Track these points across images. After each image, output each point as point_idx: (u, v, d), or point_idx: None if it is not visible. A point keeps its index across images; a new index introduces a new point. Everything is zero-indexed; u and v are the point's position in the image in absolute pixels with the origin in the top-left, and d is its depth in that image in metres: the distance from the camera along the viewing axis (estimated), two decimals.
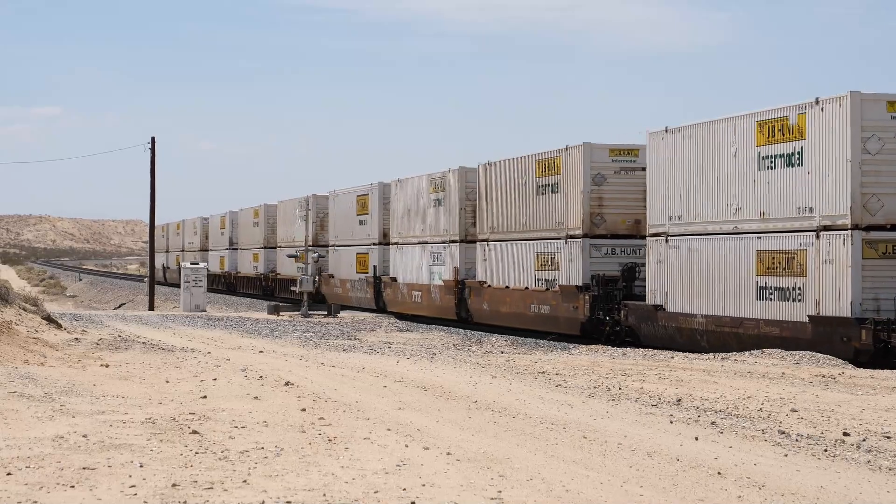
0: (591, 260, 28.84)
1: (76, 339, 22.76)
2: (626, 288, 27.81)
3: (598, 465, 10.10)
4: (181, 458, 9.91)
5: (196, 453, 10.17)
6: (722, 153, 24.09)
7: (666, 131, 26.00)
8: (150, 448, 10.38)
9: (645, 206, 27.26)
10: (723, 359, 21.25)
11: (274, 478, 9.22)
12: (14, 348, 18.57)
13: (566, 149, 29.96)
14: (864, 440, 11.67)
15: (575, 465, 10.12)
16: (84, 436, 10.94)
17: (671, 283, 25.63)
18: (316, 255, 45.84)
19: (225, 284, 68.32)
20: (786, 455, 10.83)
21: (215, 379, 16.34)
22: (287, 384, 15.79)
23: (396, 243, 41.88)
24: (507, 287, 32.67)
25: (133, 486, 8.77)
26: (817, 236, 21.36)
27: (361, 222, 45.90)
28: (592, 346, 26.74)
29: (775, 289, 22.40)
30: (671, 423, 12.79)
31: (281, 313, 41.49)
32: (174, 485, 8.80)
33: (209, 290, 63.99)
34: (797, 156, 21.92)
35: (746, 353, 22.00)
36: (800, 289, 21.75)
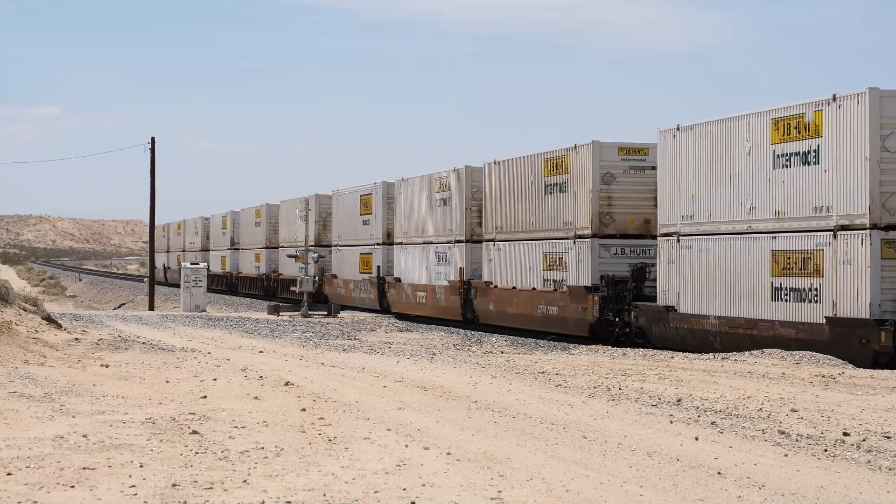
0: (600, 260, 28.54)
1: (76, 339, 22.76)
2: (636, 289, 27.52)
3: (598, 465, 10.10)
4: (181, 458, 9.91)
5: (196, 453, 10.17)
6: (735, 151, 23.72)
7: (677, 129, 25.61)
8: (150, 448, 10.38)
9: (655, 206, 27.01)
10: (723, 359, 21.24)
11: (274, 478, 9.22)
12: (14, 348, 18.57)
13: (575, 147, 29.61)
14: (864, 440, 11.67)
15: (575, 465, 10.12)
16: (84, 436, 10.94)
17: (683, 283, 25.27)
18: (316, 255, 45.81)
19: (226, 285, 68.22)
20: (786, 455, 10.83)
21: (215, 379, 16.34)
22: (287, 384, 15.79)
23: (400, 243, 41.56)
24: (513, 288, 32.34)
25: (133, 486, 8.77)
26: (834, 236, 20.99)
27: (365, 222, 45.63)
28: (592, 347, 26.69)
29: (791, 289, 22.02)
30: (671, 423, 12.79)
31: (281, 313, 41.48)
32: (174, 485, 8.80)
33: (210, 290, 64.04)
34: (813, 154, 21.56)
35: (746, 353, 21.98)
36: (816, 289, 21.37)
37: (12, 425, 11.52)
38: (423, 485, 9.07)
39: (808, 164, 21.68)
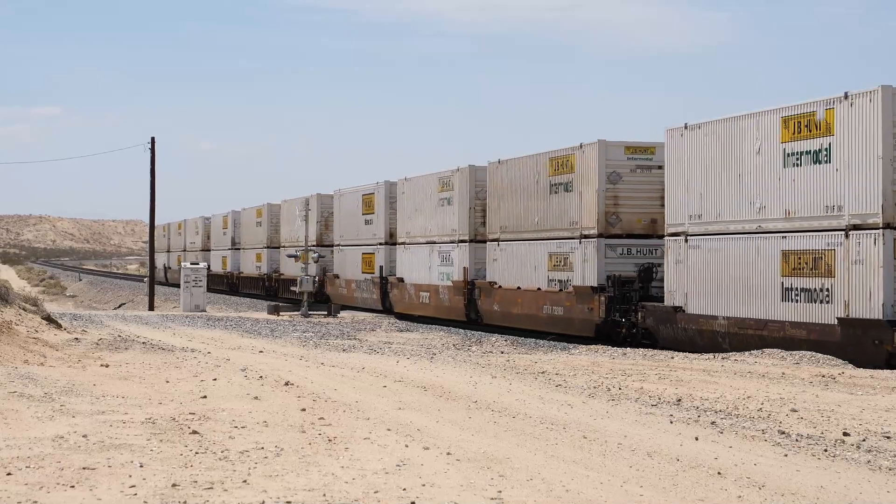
0: (607, 260, 28.25)
1: (76, 339, 22.76)
2: (643, 289, 27.29)
3: (598, 465, 10.10)
4: (181, 458, 9.91)
5: (196, 453, 10.17)
6: (744, 150, 23.45)
7: (685, 128, 25.34)
8: (150, 448, 10.38)
9: (661, 206, 26.81)
10: (723, 359, 21.24)
11: (274, 478, 9.22)
12: (14, 348, 18.57)
13: (580, 146, 29.33)
14: (864, 440, 11.67)
15: (575, 465, 10.12)
16: (84, 436, 10.94)
17: (691, 283, 25.00)
18: (316, 255, 45.78)
19: (227, 285, 68.14)
20: (786, 455, 10.83)
21: (215, 379, 16.34)
22: (287, 384, 15.79)
23: (403, 243, 41.28)
24: (518, 288, 32.05)
25: (133, 486, 8.77)
26: (846, 236, 20.66)
27: (367, 222, 45.39)
28: (592, 346, 26.65)
29: (801, 290, 21.75)
30: (671, 423, 12.79)
31: (281, 313, 41.48)
32: (174, 485, 8.80)
33: (211, 290, 64.01)
34: (825, 152, 21.26)
35: (746, 353, 21.96)
36: (828, 290, 21.06)
37: (12, 425, 11.52)
38: (423, 485, 9.07)
39: (820, 162, 21.40)
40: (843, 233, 20.82)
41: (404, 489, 8.88)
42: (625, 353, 23.61)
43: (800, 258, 21.86)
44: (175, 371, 17.45)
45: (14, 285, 32.65)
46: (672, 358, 21.93)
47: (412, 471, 9.63)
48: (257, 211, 62.63)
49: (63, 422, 11.86)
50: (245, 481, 9.04)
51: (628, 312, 27.22)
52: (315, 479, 9.19)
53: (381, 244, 43.77)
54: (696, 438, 11.69)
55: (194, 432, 11.30)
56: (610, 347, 26.12)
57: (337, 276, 48.41)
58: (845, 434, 12.05)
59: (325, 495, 8.63)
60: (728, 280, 23.84)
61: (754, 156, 23.15)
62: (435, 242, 38.34)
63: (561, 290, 29.70)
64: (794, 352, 21.08)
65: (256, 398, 14.26)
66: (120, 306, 65.02)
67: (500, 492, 8.87)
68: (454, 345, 27.45)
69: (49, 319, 25.21)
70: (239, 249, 67.15)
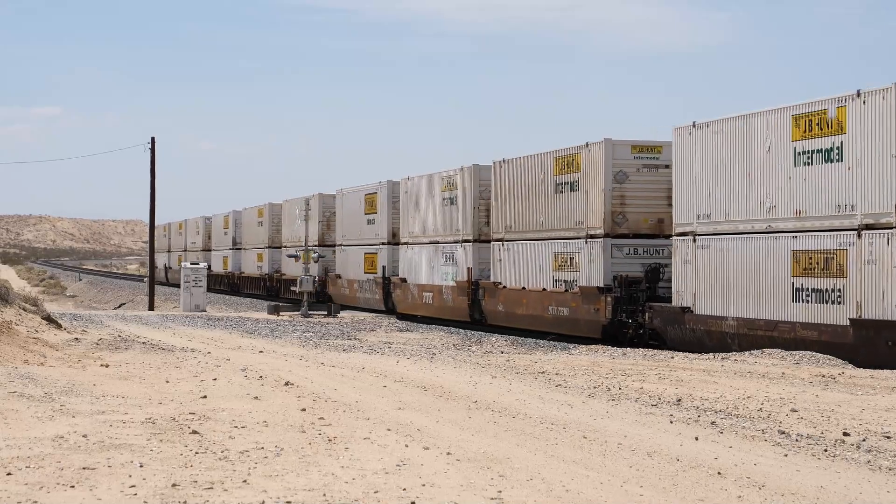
0: (613, 260, 27.92)
1: (76, 339, 22.76)
2: (650, 289, 27.05)
3: (598, 465, 10.10)
4: (181, 458, 9.91)
5: (196, 453, 10.17)
6: (754, 149, 23.16)
7: (693, 126, 25.07)
8: (150, 448, 10.38)
9: (668, 205, 26.61)
10: (723, 359, 21.24)
11: (274, 478, 9.22)
12: (14, 348, 18.56)
13: (586, 145, 29.02)
14: (864, 440, 11.66)
15: (575, 465, 10.12)
16: (84, 436, 10.94)
17: (700, 284, 24.73)
18: (316, 255, 45.76)
19: (228, 285, 68.07)
20: (786, 455, 10.83)
21: (215, 379, 16.34)
22: (287, 384, 15.79)
23: (406, 243, 41.00)
24: (523, 288, 31.74)
25: (133, 486, 8.77)
26: (859, 235, 20.37)
27: (370, 221, 45.10)
28: (592, 346, 26.62)
29: (813, 290, 21.45)
30: (671, 423, 12.79)
31: (281, 313, 41.48)
32: (174, 485, 8.80)
33: (212, 290, 63.96)
34: (836, 151, 20.97)
35: (746, 353, 21.95)
36: (839, 290, 20.75)
37: (12, 425, 11.52)
38: (423, 485, 9.07)
39: (831, 161, 21.12)
40: (855, 232, 20.53)
41: (404, 489, 8.88)
42: (625, 353, 23.60)
43: (811, 258, 21.57)
44: (175, 371, 17.45)
45: (14, 285, 32.65)
46: (672, 358, 21.93)
47: (412, 471, 9.62)
48: (259, 211, 62.51)
49: (63, 422, 11.86)
50: (245, 481, 9.04)
51: (635, 313, 26.95)
52: (315, 479, 9.19)
53: (383, 244, 43.49)
54: (696, 438, 11.69)
55: (194, 432, 11.30)
56: (610, 347, 26.06)
57: (339, 277, 48.18)
58: (845, 434, 12.05)
59: (325, 495, 8.63)
60: (737, 280, 23.56)
61: (764, 154, 22.88)
62: (438, 242, 38.05)
63: (566, 290, 29.42)
64: (794, 352, 21.04)
65: (256, 398, 14.26)
66: (120, 306, 65.03)
67: (500, 492, 8.87)
68: (454, 345, 27.44)
69: (49, 319, 25.21)
70: (240, 249, 67.06)
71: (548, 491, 8.98)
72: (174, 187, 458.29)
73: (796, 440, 11.64)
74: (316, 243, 50.38)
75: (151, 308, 51.03)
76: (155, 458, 9.87)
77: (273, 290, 57.69)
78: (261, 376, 16.79)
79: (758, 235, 23.09)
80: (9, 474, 9.08)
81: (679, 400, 14.81)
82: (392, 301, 42.02)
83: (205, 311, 44.80)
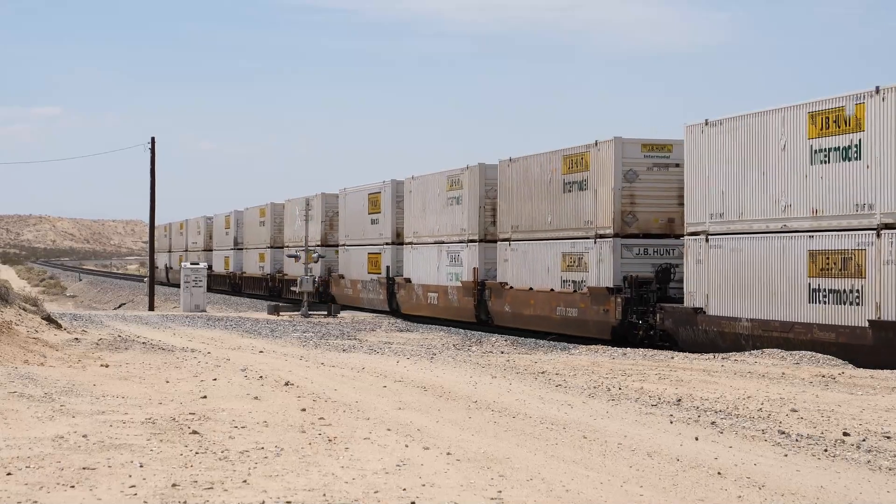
0: (623, 260, 27.62)
1: (76, 339, 22.76)
2: (661, 290, 26.72)
3: (598, 465, 10.10)
4: (181, 458, 9.91)
5: (196, 453, 10.18)
6: (769, 147, 22.79)
7: (705, 124, 24.74)
8: (150, 448, 10.38)
9: (679, 204, 26.34)
10: (723, 359, 21.24)
11: (274, 478, 9.22)
12: (14, 348, 18.56)
13: (595, 144, 28.71)
14: (864, 440, 11.67)
15: (575, 465, 10.12)
16: (84, 436, 10.94)
17: (712, 284, 24.38)
18: (316, 254, 45.72)
19: (230, 285, 67.97)
20: (786, 455, 10.83)
21: (215, 379, 16.34)
22: (287, 384, 15.79)
23: (411, 243, 40.70)
24: (530, 289, 31.40)
25: (133, 486, 8.77)
26: (878, 235, 20.01)
27: (373, 221, 44.75)
28: (592, 347, 26.60)
29: (830, 291, 21.04)
30: (671, 423, 12.79)
31: (281, 313, 41.47)
32: (174, 485, 8.80)
33: (214, 290, 63.94)
34: (854, 149, 20.62)
35: (746, 353, 21.95)
36: (858, 291, 20.38)
37: (12, 425, 11.52)
38: (423, 485, 9.07)
39: (849, 159, 20.75)
40: (874, 232, 20.17)
41: (404, 489, 8.88)
42: (625, 353, 23.59)
43: (828, 258, 21.23)
44: (175, 371, 17.45)
45: (14, 285, 32.65)
46: (672, 358, 21.93)
47: (412, 471, 9.63)
48: (260, 210, 62.38)
49: (63, 422, 11.86)
50: (245, 481, 9.04)
51: (646, 314, 26.66)
52: (315, 479, 9.19)
53: (387, 244, 43.14)
54: (696, 438, 11.69)
55: (194, 432, 11.30)
56: (610, 347, 26.04)
57: (342, 277, 47.90)
58: (845, 434, 12.05)
59: (325, 495, 8.63)
60: (752, 281, 23.22)
61: (779, 152, 22.52)
62: (443, 242, 37.72)
63: (575, 291, 29.10)
64: (795, 352, 21.00)
65: (256, 398, 14.26)
66: (120, 306, 65.03)
67: (500, 492, 8.87)
68: (454, 345, 27.44)
69: (49, 319, 25.21)
70: (242, 249, 66.94)
71: (548, 491, 8.98)
72: (174, 187, 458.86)
73: (796, 440, 11.64)
74: (319, 243, 50.25)
75: (151, 308, 51.04)
76: (155, 458, 9.88)
77: (275, 291, 57.60)
78: (261, 376, 16.79)
79: (773, 235, 22.73)
80: (9, 474, 9.08)
81: (679, 400, 14.81)
82: (396, 301, 41.74)
83: (205, 311, 44.80)
